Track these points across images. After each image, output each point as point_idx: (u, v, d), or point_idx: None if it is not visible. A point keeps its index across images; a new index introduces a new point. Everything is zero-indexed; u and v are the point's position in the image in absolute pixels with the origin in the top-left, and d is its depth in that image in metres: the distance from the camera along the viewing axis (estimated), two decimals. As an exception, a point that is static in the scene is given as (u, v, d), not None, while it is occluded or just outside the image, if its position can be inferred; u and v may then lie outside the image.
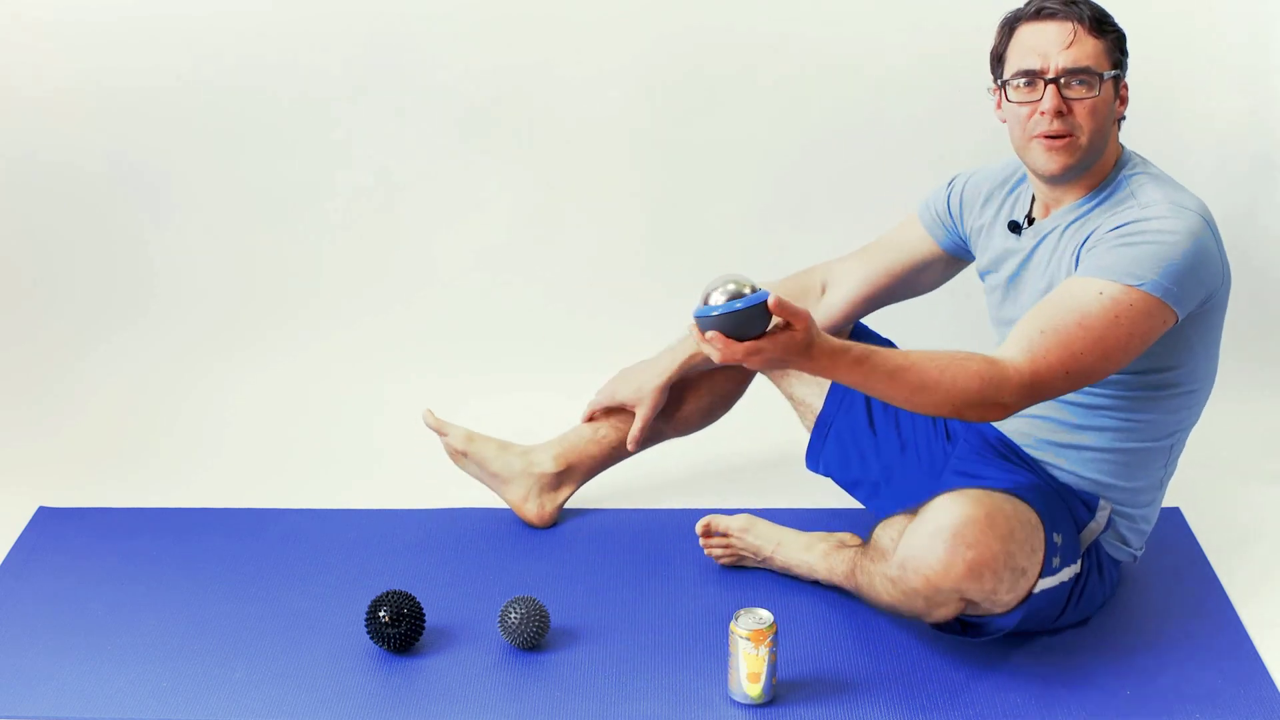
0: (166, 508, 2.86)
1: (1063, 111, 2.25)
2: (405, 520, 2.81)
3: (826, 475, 2.70)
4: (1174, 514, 2.78)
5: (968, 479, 2.38)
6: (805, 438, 2.74)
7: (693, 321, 2.08)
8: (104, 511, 2.85)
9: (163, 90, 3.30)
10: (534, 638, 2.39)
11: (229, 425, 3.18)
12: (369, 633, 2.40)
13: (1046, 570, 2.27)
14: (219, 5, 3.27)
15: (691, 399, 2.73)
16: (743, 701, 2.28)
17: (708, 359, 2.34)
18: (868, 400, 2.62)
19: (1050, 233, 2.34)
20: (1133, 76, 3.23)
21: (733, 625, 2.25)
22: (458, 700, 2.32)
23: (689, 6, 3.26)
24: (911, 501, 2.38)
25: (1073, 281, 2.22)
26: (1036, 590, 2.26)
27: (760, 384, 2.78)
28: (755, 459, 2.99)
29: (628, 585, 2.60)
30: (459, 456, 2.79)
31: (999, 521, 2.21)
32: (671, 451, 2.84)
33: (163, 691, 2.33)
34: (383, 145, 3.36)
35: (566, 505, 2.79)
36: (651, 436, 2.76)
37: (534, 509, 2.74)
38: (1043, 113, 2.25)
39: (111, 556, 2.70)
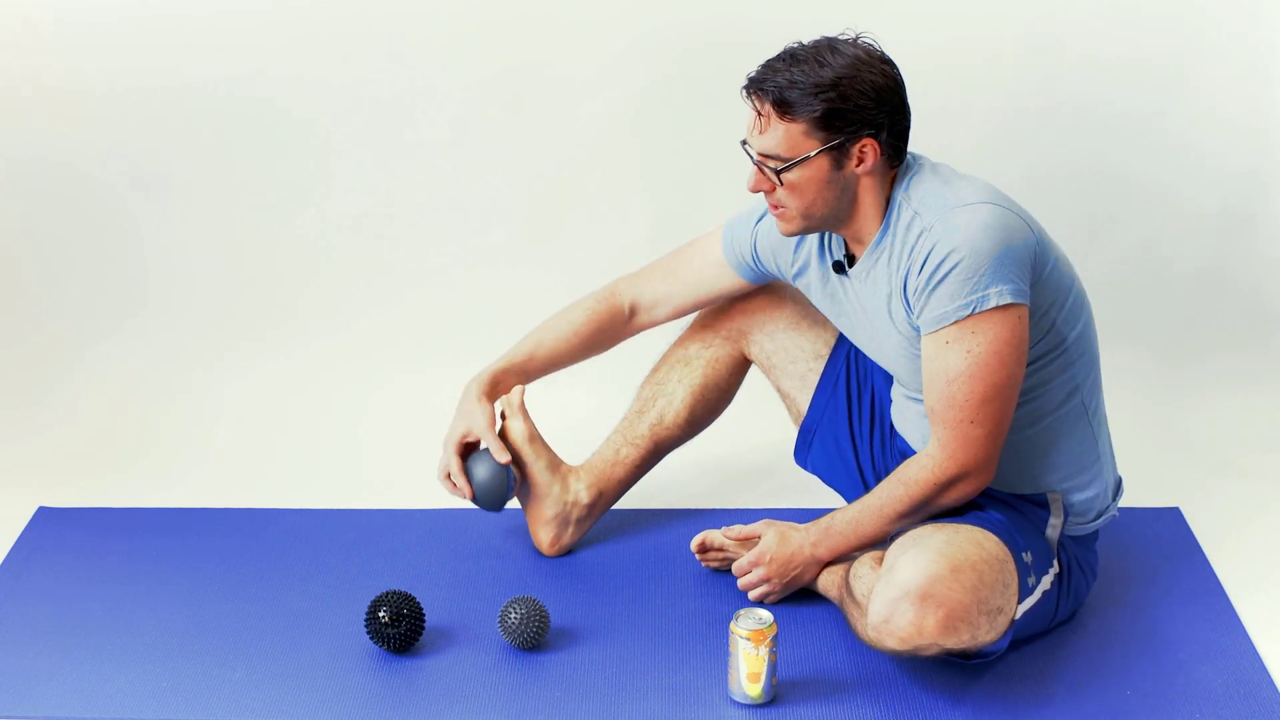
0: (166, 508, 2.86)
1: (765, 189, 2.26)
2: (405, 520, 2.81)
3: (815, 475, 2.70)
4: (1174, 514, 2.78)
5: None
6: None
7: None
8: (104, 511, 2.85)
9: (156, 91, 3.29)
10: (534, 638, 2.39)
11: (230, 425, 3.18)
12: (369, 633, 2.40)
13: (1024, 593, 2.27)
14: (215, 6, 3.26)
15: (699, 399, 2.71)
16: (743, 701, 2.28)
17: (524, 374, 2.65)
18: (849, 412, 2.61)
19: (870, 274, 2.32)
20: (1132, 75, 3.24)
21: (733, 625, 2.25)
22: (458, 700, 2.32)
23: (689, 6, 3.26)
24: None
25: (924, 345, 2.24)
26: (1019, 616, 2.26)
27: (758, 386, 2.77)
28: (754, 458, 2.99)
29: (628, 585, 2.60)
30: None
31: (965, 573, 2.18)
32: (671, 451, 2.84)
33: (163, 691, 2.34)
34: (377, 146, 3.35)
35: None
36: (667, 445, 2.73)
37: (549, 538, 2.67)
38: (748, 187, 2.28)
39: (111, 556, 2.70)
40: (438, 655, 2.41)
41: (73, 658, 2.41)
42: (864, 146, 2.21)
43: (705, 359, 2.68)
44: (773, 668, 2.26)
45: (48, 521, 2.81)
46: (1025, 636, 2.36)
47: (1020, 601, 2.26)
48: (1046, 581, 2.32)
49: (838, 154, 2.21)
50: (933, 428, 2.28)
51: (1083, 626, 2.45)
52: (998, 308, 2.18)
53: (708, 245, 2.57)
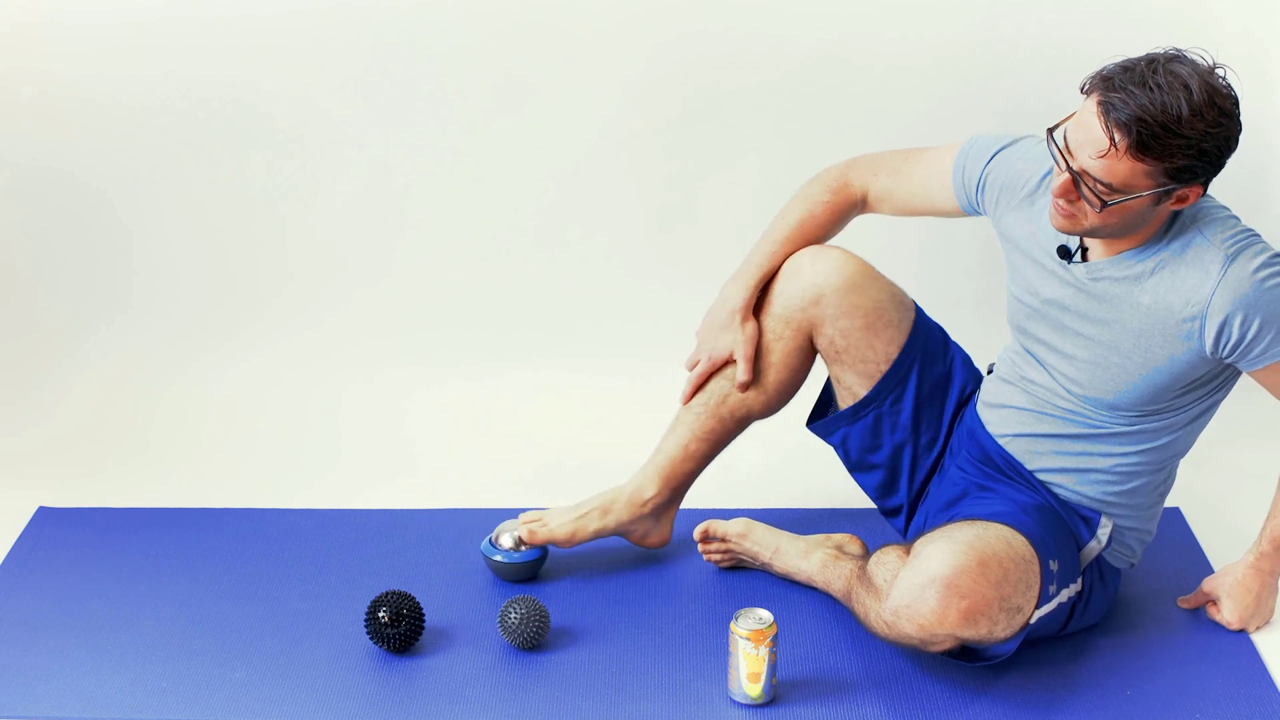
0: (166, 507, 2.86)
1: (1070, 198, 2.16)
2: (405, 520, 2.81)
3: (839, 448, 2.61)
4: (1174, 514, 2.78)
5: (960, 505, 2.38)
6: (807, 438, 2.70)
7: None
8: (104, 511, 2.85)
9: (144, 94, 3.26)
10: (534, 638, 2.39)
11: (230, 424, 3.18)
12: (369, 633, 2.40)
13: (1043, 599, 2.27)
14: (203, 7, 3.25)
15: (773, 378, 2.57)
16: (743, 701, 2.29)
17: (773, 271, 2.53)
18: (916, 408, 2.55)
19: (1106, 279, 2.26)
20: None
21: (733, 625, 2.25)
22: (458, 700, 2.32)
23: (690, 11, 3.26)
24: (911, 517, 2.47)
25: (1266, 376, 2.23)
26: (1033, 620, 2.27)
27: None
28: (755, 459, 2.99)
29: (628, 585, 2.60)
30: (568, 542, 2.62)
31: (992, 568, 2.19)
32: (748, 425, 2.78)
33: (163, 691, 2.34)
34: (365, 146, 3.34)
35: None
36: (735, 426, 2.60)
37: (657, 539, 2.64)
38: (1052, 189, 2.18)
39: (111, 556, 2.70)
40: (438, 655, 2.41)
41: (73, 657, 2.41)
42: (1190, 191, 2.15)
43: (780, 347, 2.57)
44: (773, 668, 2.27)
45: (48, 521, 2.81)
46: (1025, 638, 2.36)
47: (1037, 607, 2.26)
48: (1064, 595, 2.32)
49: (1164, 195, 2.14)
50: None
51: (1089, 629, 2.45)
52: None
53: (941, 157, 2.49)
